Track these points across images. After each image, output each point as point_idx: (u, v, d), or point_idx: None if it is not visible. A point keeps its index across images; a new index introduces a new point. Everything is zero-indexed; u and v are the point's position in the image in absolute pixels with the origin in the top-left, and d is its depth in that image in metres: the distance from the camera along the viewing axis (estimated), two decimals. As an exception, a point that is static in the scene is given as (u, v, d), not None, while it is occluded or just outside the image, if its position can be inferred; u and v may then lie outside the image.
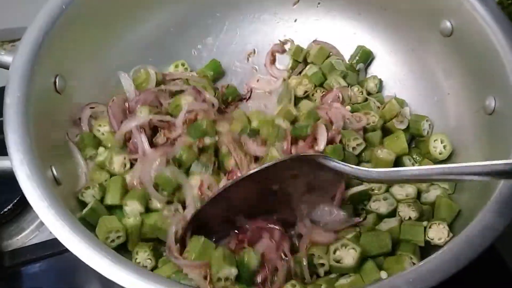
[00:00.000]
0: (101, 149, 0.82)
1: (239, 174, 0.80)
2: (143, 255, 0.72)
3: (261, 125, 0.86)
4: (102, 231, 0.69)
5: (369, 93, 0.96)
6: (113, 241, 0.71)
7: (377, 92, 0.96)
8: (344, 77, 0.95)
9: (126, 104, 0.86)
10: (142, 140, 0.79)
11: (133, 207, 0.74)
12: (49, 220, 0.59)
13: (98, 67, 0.88)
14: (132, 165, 0.80)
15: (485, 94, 0.76)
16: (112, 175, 0.78)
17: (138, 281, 0.55)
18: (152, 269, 0.71)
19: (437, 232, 0.72)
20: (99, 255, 0.57)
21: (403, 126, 0.89)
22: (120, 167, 0.79)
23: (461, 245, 0.58)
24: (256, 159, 0.84)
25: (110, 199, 0.75)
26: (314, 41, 1.01)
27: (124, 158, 0.79)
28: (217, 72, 1.00)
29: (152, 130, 0.84)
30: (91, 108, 0.85)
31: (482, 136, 0.76)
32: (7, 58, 0.72)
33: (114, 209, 0.75)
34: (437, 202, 0.77)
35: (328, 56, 1.00)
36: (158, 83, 0.91)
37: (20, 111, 0.66)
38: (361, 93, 0.94)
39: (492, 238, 0.58)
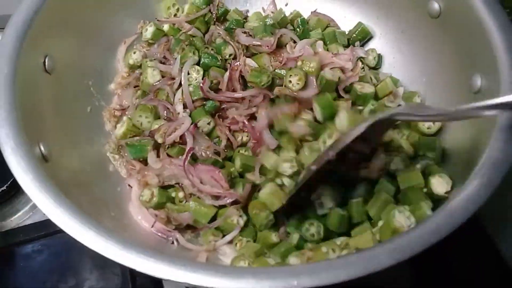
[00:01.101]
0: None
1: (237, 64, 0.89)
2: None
3: (252, 19, 0.98)
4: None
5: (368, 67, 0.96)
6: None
7: (376, 67, 0.97)
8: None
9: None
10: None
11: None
12: (33, 193, 0.60)
13: (90, 47, 0.89)
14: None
15: (471, 73, 0.76)
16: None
17: (123, 252, 0.56)
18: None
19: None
20: (83, 227, 0.58)
21: (394, 106, 0.89)
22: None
23: (443, 216, 0.58)
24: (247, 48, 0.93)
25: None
26: (313, 12, 1.02)
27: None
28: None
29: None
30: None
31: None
32: (-4, 37, 0.72)
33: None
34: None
35: (327, 27, 1.00)
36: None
37: (7, 87, 0.67)
38: (362, 69, 0.93)
39: (474, 210, 0.59)
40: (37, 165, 0.62)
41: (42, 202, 0.59)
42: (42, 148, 0.68)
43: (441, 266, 0.88)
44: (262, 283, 0.53)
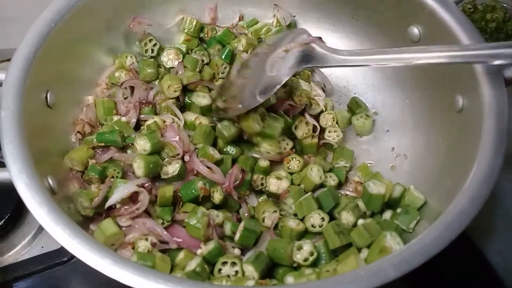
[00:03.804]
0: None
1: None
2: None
3: None
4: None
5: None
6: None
7: None
8: None
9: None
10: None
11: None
12: (49, 225, 0.61)
13: (88, 83, 0.92)
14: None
15: (453, 93, 0.81)
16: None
17: (140, 278, 0.57)
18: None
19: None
20: (99, 256, 0.59)
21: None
22: None
23: (439, 229, 0.63)
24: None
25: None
26: None
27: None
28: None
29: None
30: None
31: (452, 133, 0.81)
32: (0, 75, 0.74)
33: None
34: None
35: None
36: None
37: (15, 124, 0.69)
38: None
39: (468, 221, 0.63)
40: (50, 198, 0.64)
41: (59, 234, 0.60)
42: (50, 181, 0.70)
43: (431, 279, 0.91)
44: (277, 301, 0.56)
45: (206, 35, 1.05)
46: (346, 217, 0.81)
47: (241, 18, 1.07)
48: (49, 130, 0.78)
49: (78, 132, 0.87)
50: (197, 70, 0.98)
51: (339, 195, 0.87)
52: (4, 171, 0.66)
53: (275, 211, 0.83)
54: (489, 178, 0.66)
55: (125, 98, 0.92)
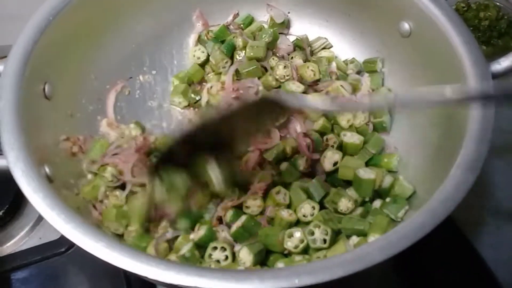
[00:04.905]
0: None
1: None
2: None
3: None
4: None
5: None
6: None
7: None
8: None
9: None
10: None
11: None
12: (45, 210, 0.63)
13: (85, 75, 0.93)
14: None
15: (443, 84, 0.82)
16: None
17: (133, 262, 0.59)
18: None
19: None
20: (94, 240, 0.61)
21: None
22: None
23: (425, 215, 0.64)
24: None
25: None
26: None
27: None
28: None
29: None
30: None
31: (440, 123, 0.82)
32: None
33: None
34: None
35: None
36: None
37: (13, 114, 0.70)
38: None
39: (453, 207, 0.64)
40: (46, 185, 0.66)
41: (54, 219, 0.62)
42: (47, 170, 0.72)
43: (424, 273, 0.92)
44: (266, 283, 0.57)
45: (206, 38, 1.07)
46: (345, 203, 0.82)
47: (235, 16, 1.09)
48: (46, 121, 0.80)
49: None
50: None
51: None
52: (1, 159, 0.68)
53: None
54: (475, 165, 0.67)
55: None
